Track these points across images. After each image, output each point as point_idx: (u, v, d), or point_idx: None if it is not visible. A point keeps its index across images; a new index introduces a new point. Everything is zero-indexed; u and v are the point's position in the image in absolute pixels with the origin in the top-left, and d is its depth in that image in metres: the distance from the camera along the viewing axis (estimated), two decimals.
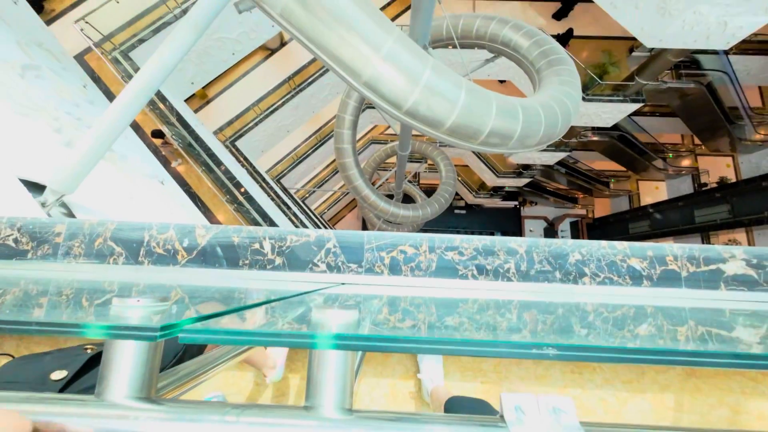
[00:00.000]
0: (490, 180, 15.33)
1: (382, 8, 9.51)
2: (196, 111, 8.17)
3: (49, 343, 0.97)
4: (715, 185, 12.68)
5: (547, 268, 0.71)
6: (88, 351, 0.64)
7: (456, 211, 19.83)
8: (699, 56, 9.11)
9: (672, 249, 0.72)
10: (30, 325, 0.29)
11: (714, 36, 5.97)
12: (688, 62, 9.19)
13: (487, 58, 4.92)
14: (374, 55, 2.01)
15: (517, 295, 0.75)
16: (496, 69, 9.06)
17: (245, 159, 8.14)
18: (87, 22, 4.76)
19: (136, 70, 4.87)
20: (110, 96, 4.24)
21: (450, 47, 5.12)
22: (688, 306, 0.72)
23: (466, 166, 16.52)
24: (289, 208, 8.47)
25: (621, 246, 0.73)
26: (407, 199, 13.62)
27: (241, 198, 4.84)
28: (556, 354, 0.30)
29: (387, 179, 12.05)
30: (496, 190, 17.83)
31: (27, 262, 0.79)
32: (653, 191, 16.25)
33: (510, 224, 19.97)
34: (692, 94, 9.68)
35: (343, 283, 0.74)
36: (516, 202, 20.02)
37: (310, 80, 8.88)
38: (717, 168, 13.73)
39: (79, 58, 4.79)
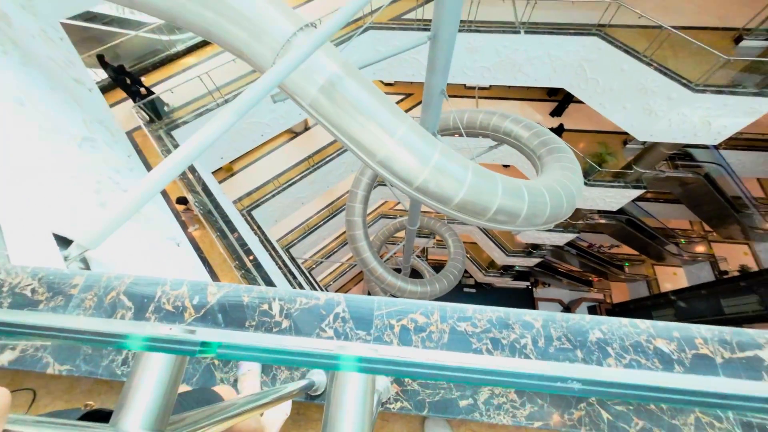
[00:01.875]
0: (500, 258, 15.14)
1: (397, 103, 10.86)
2: (220, 182, 8.81)
3: (68, 382, 0.89)
4: (737, 273, 12.17)
5: (567, 346, 0.67)
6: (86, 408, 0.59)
7: (465, 289, 19.16)
8: (692, 150, 9.72)
9: (700, 331, 0.68)
10: (74, 334, 0.29)
11: (701, 133, 6.47)
12: (682, 155, 9.77)
13: (491, 145, 5.37)
14: (389, 138, 2.24)
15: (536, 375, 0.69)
16: (500, 155, 9.79)
17: (259, 227, 8.41)
18: (141, 108, 5.55)
19: (175, 146, 5.46)
20: (148, 166, 4.68)
21: (456, 135, 5.67)
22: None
23: (475, 243, 16.54)
24: (294, 277, 8.38)
25: (644, 325, 0.69)
26: (415, 273, 13.37)
27: (249, 264, 4.86)
28: (581, 388, 0.27)
29: (395, 253, 12.07)
30: (507, 269, 17.44)
31: (34, 312, 0.79)
32: (672, 277, 15.62)
33: (522, 306, 18.93)
34: (692, 183, 10.04)
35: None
36: (528, 283, 19.35)
37: (328, 159, 9.68)
38: (734, 255, 13.38)
39: (129, 134, 5.46)
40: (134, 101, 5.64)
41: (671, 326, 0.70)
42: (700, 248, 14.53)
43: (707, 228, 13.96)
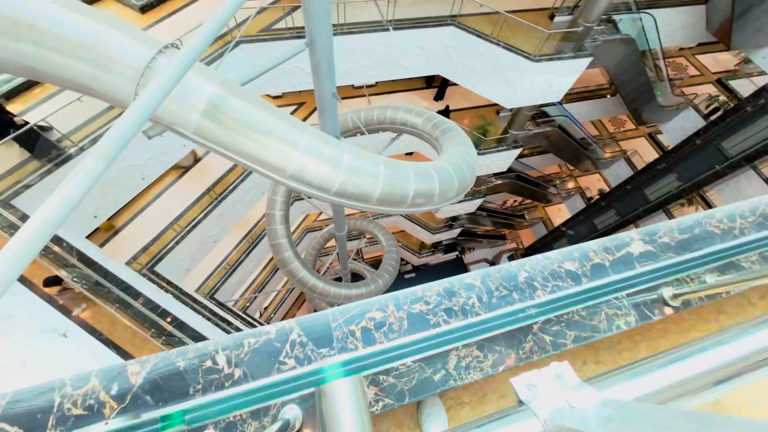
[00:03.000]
0: (428, 238, 16.19)
1: (291, 113, 10.53)
2: (102, 245, 7.31)
3: None
4: (597, 197, 15.47)
5: (504, 293, 0.76)
6: None
7: (406, 276, 19.99)
8: (546, 108, 11.92)
9: (591, 246, 0.84)
10: None
11: (547, 93, 7.97)
12: (540, 114, 11.92)
13: (392, 137, 5.66)
14: (294, 150, 2.17)
15: (488, 326, 0.77)
16: (402, 145, 10.39)
17: (168, 283, 7.27)
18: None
19: (22, 218, 4.30)
20: None
21: (358, 134, 5.81)
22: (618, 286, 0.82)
23: (403, 231, 17.32)
24: (229, 324, 7.53)
25: (553, 255, 0.82)
26: (356, 277, 13.36)
27: (169, 327, 4.18)
28: (537, 312, 0.32)
29: (331, 263, 11.85)
30: (436, 246, 18.79)
31: None
32: (558, 213, 19.00)
33: (457, 274, 20.69)
34: (551, 134, 12.35)
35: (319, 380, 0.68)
36: (456, 253, 21.18)
37: (231, 187, 8.88)
38: (594, 183, 16.98)
39: None
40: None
41: (572, 249, 0.84)
42: (570, 185, 18.02)
43: (571, 167, 17.36)
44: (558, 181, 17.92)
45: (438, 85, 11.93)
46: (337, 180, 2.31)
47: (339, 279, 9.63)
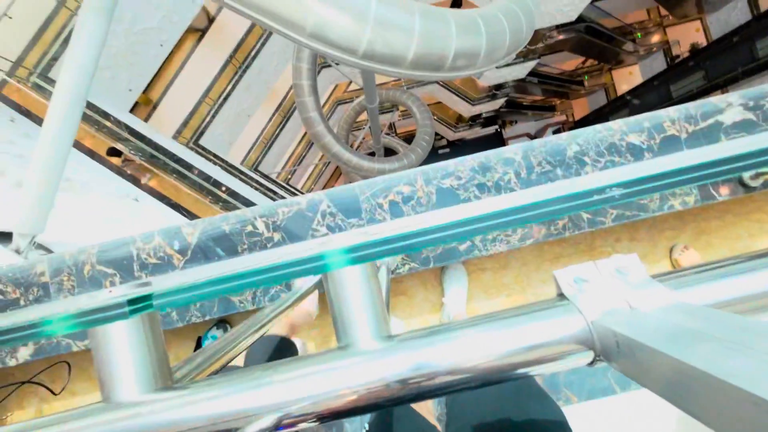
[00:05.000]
0: (466, 110, 14.91)
1: None
2: (146, 119, 7.62)
3: None
4: (687, 54, 12.42)
5: (548, 168, 0.69)
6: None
7: (440, 151, 19.57)
8: None
9: (668, 113, 0.69)
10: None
11: None
12: None
13: None
14: (313, 0, 1.80)
15: (522, 202, 0.74)
16: None
17: (215, 156, 7.78)
18: None
19: None
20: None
21: None
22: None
23: (439, 102, 15.94)
24: (275, 194, 8.32)
25: (617, 125, 0.70)
26: (389, 152, 13.33)
27: (225, 196, 4.71)
28: (621, 193, 0.29)
29: (363, 137, 11.73)
30: (475, 119, 17.44)
31: (24, 310, 0.75)
32: (628, 78, 15.96)
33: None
34: None
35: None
36: (496, 126, 19.72)
37: (253, 53, 8.19)
38: (687, 36, 13.35)
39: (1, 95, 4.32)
40: None
41: (641, 118, 0.70)
42: (656, 38, 14.34)
43: (664, 13, 13.42)
44: (639, 35, 14.24)
45: None
46: (365, 37, 1.97)
47: (372, 154, 9.68)
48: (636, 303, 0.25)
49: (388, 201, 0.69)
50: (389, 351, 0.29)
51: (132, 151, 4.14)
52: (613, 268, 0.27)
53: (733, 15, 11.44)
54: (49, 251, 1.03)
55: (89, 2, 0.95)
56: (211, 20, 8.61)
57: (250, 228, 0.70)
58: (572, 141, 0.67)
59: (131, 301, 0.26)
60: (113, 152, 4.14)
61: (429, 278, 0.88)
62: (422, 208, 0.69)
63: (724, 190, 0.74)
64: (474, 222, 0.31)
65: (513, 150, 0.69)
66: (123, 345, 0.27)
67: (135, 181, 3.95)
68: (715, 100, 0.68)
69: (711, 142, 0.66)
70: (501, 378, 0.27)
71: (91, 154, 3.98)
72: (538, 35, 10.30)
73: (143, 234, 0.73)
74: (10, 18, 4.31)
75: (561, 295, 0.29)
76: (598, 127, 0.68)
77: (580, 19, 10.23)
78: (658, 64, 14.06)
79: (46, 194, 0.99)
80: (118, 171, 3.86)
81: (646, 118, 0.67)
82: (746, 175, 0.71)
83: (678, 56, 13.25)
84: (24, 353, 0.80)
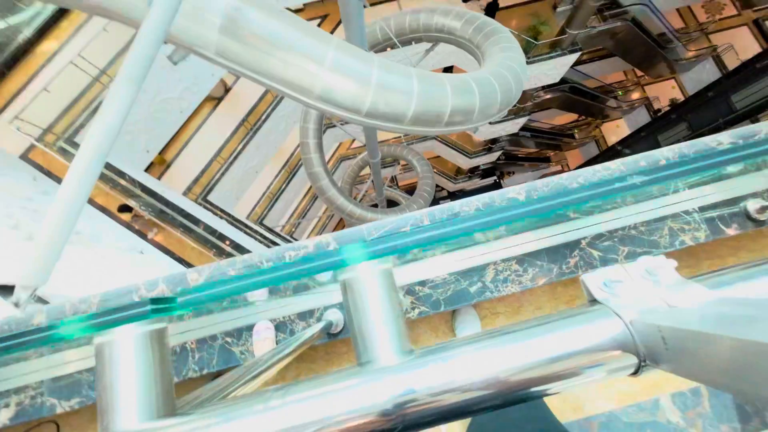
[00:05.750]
0: (464, 163, 15.56)
1: None
2: (159, 177, 7.99)
3: (88, 413, 0.87)
4: (668, 108, 13.28)
5: None
6: None
7: (441, 202, 19.99)
8: None
9: (663, 153, 0.72)
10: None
11: None
12: (609, 4, 9.70)
13: (426, 48, 5.04)
14: (320, 67, 2.01)
15: (531, 244, 0.73)
16: (438, 58, 9.31)
17: (222, 210, 7.97)
18: (22, 119, 4.60)
19: None
20: None
21: (389, 49, 5.23)
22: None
23: (438, 156, 16.72)
24: (279, 245, 8.32)
25: (615, 165, 0.72)
26: (391, 203, 13.62)
27: (229, 249, 4.72)
28: (643, 180, 0.28)
29: (366, 190, 12.07)
30: (473, 171, 18.11)
31: (26, 363, 0.72)
32: (615, 130, 16.88)
33: None
34: (621, 31, 10.20)
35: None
36: (494, 177, 20.37)
37: (264, 117, 8.87)
38: (665, 92, 14.43)
39: (25, 156, 4.61)
40: None
41: (638, 157, 0.73)
42: (635, 95, 15.50)
43: (639, 73, 14.69)
44: (621, 92, 15.44)
45: None
46: (368, 99, 2.16)
47: (375, 205, 9.89)
48: (674, 301, 0.23)
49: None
50: (414, 365, 0.26)
51: (142, 207, 4.27)
52: (643, 269, 0.26)
53: (704, 73, 12.51)
54: (47, 303, 1.01)
55: (124, 72, 1.06)
56: (227, 89, 9.52)
57: None
58: (573, 180, 0.69)
59: (154, 301, 0.25)
60: (124, 208, 4.28)
61: (439, 324, 0.83)
62: (430, 249, 0.68)
63: (733, 225, 0.73)
64: (482, 215, 0.31)
65: (517, 190, 0.71)
66: (129, 365, 0.25)
67: (142, 235, 4.01)
68: (707, 140, 0.71)
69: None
70: (534, 393, 0.24)
71: (103, 209, 4.11)
72: (526, 95, 11.18)
73: (147, 281, 0.72)
74: (48, 92, 4.80)
75: (593, 301, 0.27)
76: (597, 167, 0.70)
77: (564, 80, 11.21)
78: (642, 117, 14.99)
79: (54, 247, 1.00)
80: (127, 225, 3.95)
81: (642, 158, 0.70)
82: (752, 209, 0.71)
83: (659, 110, 14.18)
84: (3, 417, 0.73)
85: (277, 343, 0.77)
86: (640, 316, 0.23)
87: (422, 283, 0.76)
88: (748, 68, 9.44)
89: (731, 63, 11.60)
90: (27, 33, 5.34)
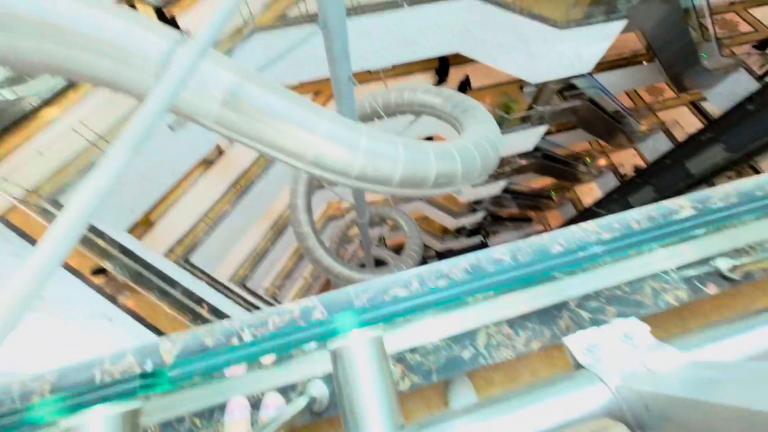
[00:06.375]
0: (450, 223, 15.97)
1: None
2: (141, 238, 7.78)
3: None
4: (633, 174, 14.51)
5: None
6: None
7: (429, 261, 19.94)
8: (575, 80, 11.18)
9: (632, 215, 0.77)
10: None
11: (576, 64, 7.44)
12: (568, 87, 11.20)
13: (410, 120, 5.53)
14: (313, 136, 2.16)
15: (520, 306, 0.73)
16: (420, 129, 10.16)
17: (202, 272, 7.66)
18: (7, 180, 4.57)
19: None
20: None
21: (376, 119, 5.73)
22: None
23: (426, 216, 17.18)
24: (259, 309, 7.87)
25: (591, 226, 0.76)
26: (379, 263, 13.48)
27: (205, 314, 4.43)
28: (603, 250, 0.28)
29: (355, 250, 11.99)
30: (459, 231, 18.52)
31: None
32: (589, 192, 18.06)
33: None
34: (581, 108, 11.61)
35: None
36: (480, 237, 20.79)
37: (255, 180, 9.12)
38: (628, 159, 15.92)
39: (2, 218, 4.47)
40: None
41: (611, 219, 0.77)
42: (602, 162, 17.00)
43: (602, 143, 16.33)
44: (588, 159, 16.94)
45: (439, 64, 11.41)
46: (357, 164, 2.29)
47: (363, 265, 9.75)
48: (653, 365, 0.24)
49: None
50: None
51: (118, 270, 4.07)
52: (620, 332, 0.26)
53: (658, 143, 14.02)
54: None
55: (124, 138, 1.10)
56: (220, 153, 9.92)
57: (235, 341, 0.65)
58: (554, 241, 0.72)
59: (143, 376, 0.22)
60: (98, 271, 4.06)
61: (432, 397, 0.77)
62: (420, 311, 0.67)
63: (711, 286, 0.76)
64: (468, 282, 0.31)
65: (501, 250, 0.73)
66: None
67: (113, 299, 3.75)
68: (668, 203, 0.77)
69: (677, 238, 0.72)
70: None
71: (74, 272, 3.89)
72: (504, 160, 12.10)
73: (113, 353, 0.66)
74: (41, 154, 4.88)
75: (577, 364, 0.26)
76: (574, 228, 0.74)
77: (537, 149, 12.32)
78: (611, 181, 16.23)
79: (9, 321, 0.92)
80: (98, 289, 3.71)
81: (615, 220, 0.74)
82: (723, 269, 0.75)
83: (625, 175, 15.46)
84: None
85: (252, 425, 0.68)
86: (623, 382, 0.23)
87: (413, 350, 0.73)
88: (695, 140, 10.66)
89: (680, 135, 13.11)
90: (33, 102, 5.62)
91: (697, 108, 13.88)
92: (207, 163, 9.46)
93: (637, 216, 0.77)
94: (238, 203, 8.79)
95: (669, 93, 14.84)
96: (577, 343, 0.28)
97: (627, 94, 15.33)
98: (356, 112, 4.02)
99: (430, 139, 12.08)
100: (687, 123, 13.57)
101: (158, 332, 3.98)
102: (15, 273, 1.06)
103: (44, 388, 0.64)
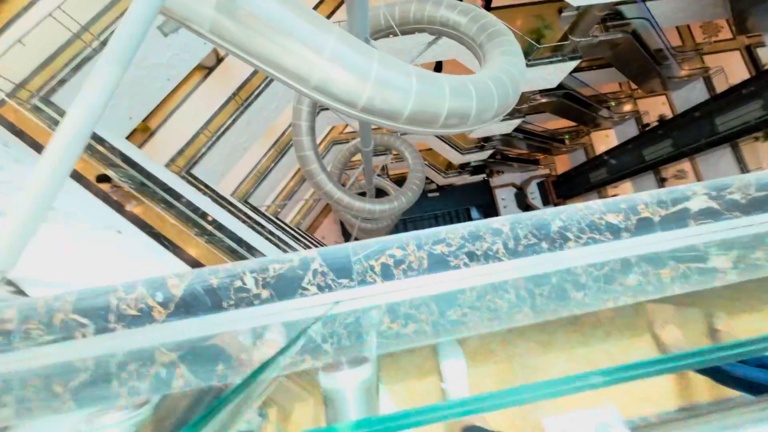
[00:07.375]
0: (456, 159, 15.63)
1: (314, 7, 9.29)
2: (140, 146, 7.66)
3: None
4: (656, 123, 13.65)
5: (533, 241, 0.72)
6: None
7: (429, 194, 20.08)
8: (621, 7, 9.68)
9: (642, 198, 0.75)
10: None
11: None
12: (613, 14, 9.75)
13: (429, 41, 4.96)
14: (318, 57, 1.95)
15: (510, 273, 0.76)
16: (439, 51, 9.16)
17: (206, 186, 7.77)
18: None
19: (63, 114, 4.46)
20: (39, 148, 3.84)
21: (391, 36, 5.11)
22: (666, 248, 0.76)
23: (431, 149, 16.71)
24: (263, 227, 8.22)
25: (596, 205, 0.75)
26: (380, 193, 13.61)
27: (210, 228, 4.62)
28: (602, 381, 0.30)
29: (356, 177, 11.99)
30: (464, 167, 18.23)
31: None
32: (605, 140, 17.26)
33: (482, 197, 20.54)
34: (621, 43, 10.30)
35: (337, 302, 0.72)
36: (484, 175, 20.57)
37: (256, 93, 8.58)
38: (655, 107, 14.79)
39: None
40: None
41: (618, 200, 0.76)
42: (627, 107, 15.82)
43: (633, 86, 14.97)
44: (613, 103, 15.72)
45: None
46: (365, 94, 2.12)
47: (363, 194, 9.85)
48: None
49: (380, 263, 0.70)
50: None
51: (122, 178, 4.10)
52: (596, 422, 0.28)
53: (693, 93, 12.87)
54: (19, 290, 0.97)
55: (111, 50, 1.00)
56: (219, 59, 9.11)
57: (239, 283, 0.69)
58: (556, 217, 0.71)
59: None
60: (102, 179, 4.09)
61: (421, 359, 0.86)
62: (414, 272, 0.70)
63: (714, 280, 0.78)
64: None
65: (501, 221, 0.73)
66: None
67: (120, 208, 3.86)
68: (683, 188, 0.74)
69: (681, 226, 0.72)
70: None
71: (79, 178, 3.92)
72: (522, 97, 11.23)
73: (125, 283, 0.71)
74: (23, 45, 4.47)
75: None
76: (579, 205, 0.73)
77: (561, 86, 11.31)
78: (630, 130, 15.36)
79: (27, 227, 0.96)
80: (104, 197, 3.79)
81: (622, 200, 0.72)
82: (722, 268, 0.76)
83: (648, 125, 14.56)
84: None
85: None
86: None
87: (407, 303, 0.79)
88: (735, 93, 9.75)
89: (720, 86, 11.96)
90: None
91: (750, 55, 12.35)
92: (205, 69, 8.77)
93: (646, 198, 0.75)
94: (240, 118, 8.43)
95: (726, 32, 13.01)
96: (556, 428, 0.30)
97: (678, 30, 13.46)
98: (368, 26, 3.56)
99: (439, 64, 10.99)
100: (733, 72, 12.23)
101: (167, 241, 4.21)
102: (24, 181, 1.07)
103: (66, 307, 0.71)
